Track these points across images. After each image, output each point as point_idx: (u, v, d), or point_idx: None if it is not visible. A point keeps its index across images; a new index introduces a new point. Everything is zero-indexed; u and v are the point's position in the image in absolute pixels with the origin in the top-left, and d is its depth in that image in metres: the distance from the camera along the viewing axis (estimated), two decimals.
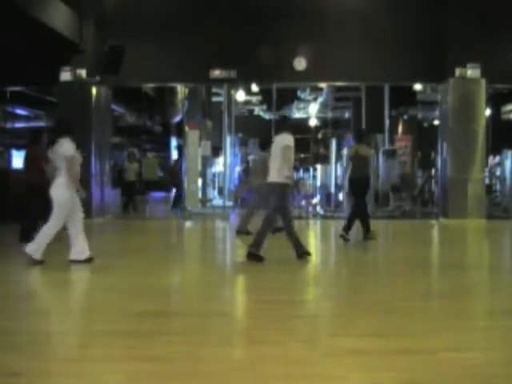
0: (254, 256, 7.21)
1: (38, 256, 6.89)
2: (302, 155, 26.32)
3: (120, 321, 4.59)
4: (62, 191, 6.96)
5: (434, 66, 13.98)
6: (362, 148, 9.49)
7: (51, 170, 7.45)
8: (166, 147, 26.38)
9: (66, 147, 7.03)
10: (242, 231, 10.29)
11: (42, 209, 8.58)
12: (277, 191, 7.32)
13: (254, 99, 23.35)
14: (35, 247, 6.92)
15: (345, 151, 9.71)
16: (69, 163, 6.94)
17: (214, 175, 22.09)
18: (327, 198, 16.94)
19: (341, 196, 15.99)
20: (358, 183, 9.44)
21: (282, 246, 9.55)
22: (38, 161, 8.72)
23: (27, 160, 9.27)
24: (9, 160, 21.60)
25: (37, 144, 9.19)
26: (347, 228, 9.17)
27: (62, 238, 8.19)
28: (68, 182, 6.97)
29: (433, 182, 16.85)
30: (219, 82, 15.26)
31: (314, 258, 8.82)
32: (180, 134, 18.27)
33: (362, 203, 9.47)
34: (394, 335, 4.08)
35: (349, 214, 9.77)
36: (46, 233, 6.97)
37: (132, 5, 14.59)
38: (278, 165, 7.23)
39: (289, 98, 23.17)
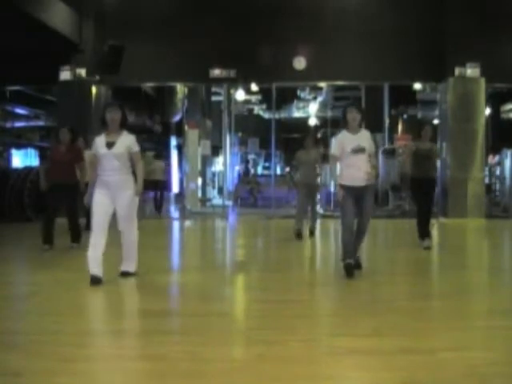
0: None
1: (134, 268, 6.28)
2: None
3: (120, 320, 4.59)
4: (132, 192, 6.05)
5: (433, 65, 13.99)
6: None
7: (86, 169, 7.30)
8: (166, 147, 26.37)
9: (132, 141, 6.10)
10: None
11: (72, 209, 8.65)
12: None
13: (254, 98, 23.39)
14: (133, 263, 6.24)
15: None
16: (138, 160, 6.12)
17: (213, 174, 22.12)
18: (327, 197, 16.94)
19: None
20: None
21: (282, 246, 9.56)
22: (81, 160, 8.62)
23: (66, 159, 8.63)
24: (9, 159, 21.61)
25: (76, 143, 8.92)
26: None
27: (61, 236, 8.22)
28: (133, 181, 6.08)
29: None
30: (219, 81, 15.27)
31: (314, 257, 8.83)
32: (180, 133, 18.28)
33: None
34: (394, 335, 4.08)
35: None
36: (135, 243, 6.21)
37: (132, 4, 14.61)
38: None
39: (288, 97, 23.22)
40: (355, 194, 6.19)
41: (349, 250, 6.21)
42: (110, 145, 5.96)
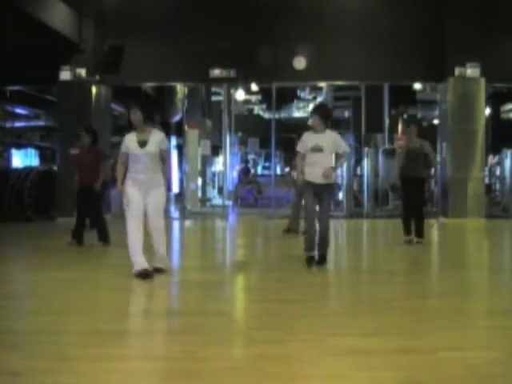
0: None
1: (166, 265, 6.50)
2: None
3: (119, 320, 4.59)
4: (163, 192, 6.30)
5: (433, 65, 13.99)
6: None
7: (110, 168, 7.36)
8: None
9: (164, 139, 6.25)
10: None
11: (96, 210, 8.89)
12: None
13: (254, 98, 23.39)
14: (166, 260, 6.50)
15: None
16: (166, 158, 6.21)
17: (213, 174, 22.12)
18: None
19: (340, 195, 16.00)
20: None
21: (281, 245, 9.57)
22: (102, 161, 8.80)
23: (90, 162, 8.79)
24: (9, 159, 21.62)
25: (96, 144, 9.06)
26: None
27: (58, 237, 8.23)
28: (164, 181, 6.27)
29: (432, 181, 16.85)
30: (219, 81, 15.26)
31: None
32: (180, 133, 18.28)
33: None
34: (394, 334, 4.08)
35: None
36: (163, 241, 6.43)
37: (132, 4, 14.61)
38: None
39: (288, 97, 23.22)
40: (315, 191, 6.71)
41: (311, 243, 6.76)
42: (142, 144, 6.10)
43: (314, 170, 6.65)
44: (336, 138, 6.77)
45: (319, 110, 6.95)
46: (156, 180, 6.16)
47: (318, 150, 6.62)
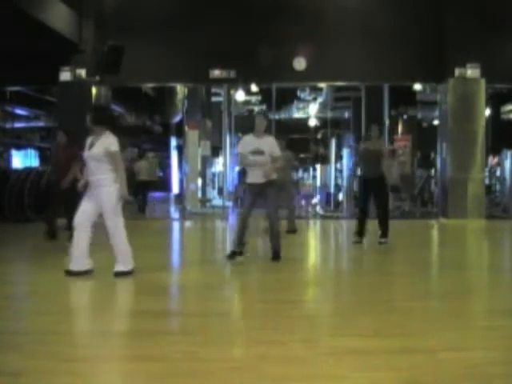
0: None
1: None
2: (302, 155, 26.30)
3: (119, 320, 4.59)
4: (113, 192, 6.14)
5: (433, 65, 13.99)
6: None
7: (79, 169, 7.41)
8: (166, 147, 26.41)
9: (111, 141, 6.14)
10: (291, 230, 10.57)
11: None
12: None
13: (254, 99, 23.34)
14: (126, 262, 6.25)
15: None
16: (116, 161, 6.11)
17: (213, 175, 22.09)
18: (327, 197, 16.95)
19: (341, 196, 16.01)
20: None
21: (282, 246, 9.56)
22: (74, 161, 8.78)
23: (62, 160, 9.05)
24: (9, 160, 21.60)
25: (74, 144, 9.09)
26: None
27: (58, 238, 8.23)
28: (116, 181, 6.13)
29: (432, 182, 16.86)
30: (219, 81, 15.27)
31: (314, 257, 8.83)
32: (180, 133, 18.28)
33: None
34: (394, 335, 4.08)
35: None
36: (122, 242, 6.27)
37: (132, 5, 14.61)
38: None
39: (288, 97, 23.18)
40: (256, 191, 7.23)
41: (237, 239, 7.36)
42: (90, 146, 6.19)
43: (254, 171, 7.25)
44: (274, 142, 7.41)
45: (262, 112, 7.54)
46: (105, 181, 6.08)
47: (259, 153, 7.19)
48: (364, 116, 17.58)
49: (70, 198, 8.64)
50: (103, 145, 6.08)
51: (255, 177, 7.23)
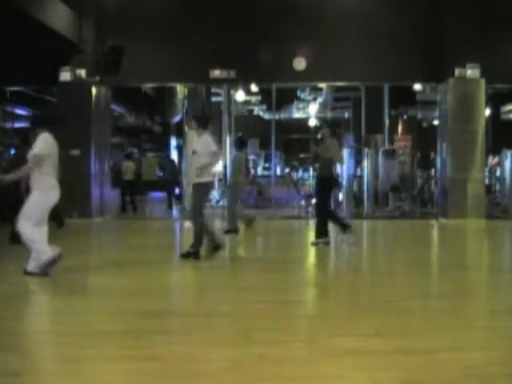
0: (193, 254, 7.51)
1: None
2: (302, 155, 26.34)
3: (119, 321, 4.59)
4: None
5: (433, 66, 13.98)
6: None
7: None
8: (166, 147, 26.43)
9: (38, 143, 6.20)
10: (231, 230, 10.79)
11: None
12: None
13: (254, 99, 23.37)
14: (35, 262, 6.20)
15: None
16: (32, 163, 6.17)
17: (213, 175, 22.04)
18: None
19: (340, 196, 16.00)
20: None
21: (281, 246, 9.56)
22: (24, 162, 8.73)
23: (18, 160, 8.92)
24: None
25: (27, 144, 9.09)
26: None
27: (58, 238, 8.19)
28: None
29: (432, 182, 16.85)
30: (219, 82, 15.25)
31: (314, 258, 8.83)
32: (180, 133, 18.28)
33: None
34: (394, 335, 4.08)
35: None
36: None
37: (132, 5, 14.59)
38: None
39: (288, 98, 23.20)
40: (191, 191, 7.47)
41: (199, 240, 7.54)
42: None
43: (191, 171, 7.61)
44: (209, 140, 7.48)
45: (194, 114, 7.92)
46: (34, 184, 6.27)
47: (193, 152, 7.53)
48: (364, 116, 17.60)
49: (14, 199, 8.66)
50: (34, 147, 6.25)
51: (189, 177, 7.87)
